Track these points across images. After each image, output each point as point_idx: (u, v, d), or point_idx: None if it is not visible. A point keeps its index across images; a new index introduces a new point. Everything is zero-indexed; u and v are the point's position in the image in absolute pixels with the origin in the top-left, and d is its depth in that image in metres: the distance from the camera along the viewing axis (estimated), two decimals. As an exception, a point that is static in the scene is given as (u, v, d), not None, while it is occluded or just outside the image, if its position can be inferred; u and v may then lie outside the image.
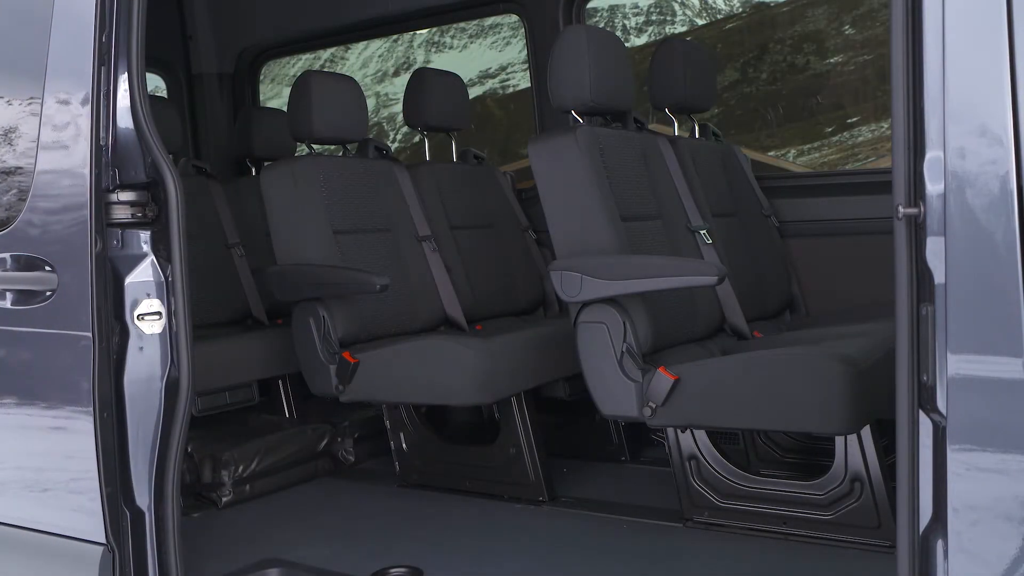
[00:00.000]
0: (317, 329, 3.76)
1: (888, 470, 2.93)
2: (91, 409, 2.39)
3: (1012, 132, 1.62)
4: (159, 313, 2.41)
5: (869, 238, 3.86)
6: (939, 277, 1.69)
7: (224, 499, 3.83)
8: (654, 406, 3.01)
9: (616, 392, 3.10)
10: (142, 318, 2.41)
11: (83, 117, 2.40)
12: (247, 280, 4.92)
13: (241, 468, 3.89)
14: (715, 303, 3.59)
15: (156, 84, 5.89)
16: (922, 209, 1.71)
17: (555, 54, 3.37)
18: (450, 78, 4.66)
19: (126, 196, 2.42)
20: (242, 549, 3.26)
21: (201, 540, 3.35)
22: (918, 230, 1.73)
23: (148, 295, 2.41)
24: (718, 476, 3.24)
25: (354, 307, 3.81)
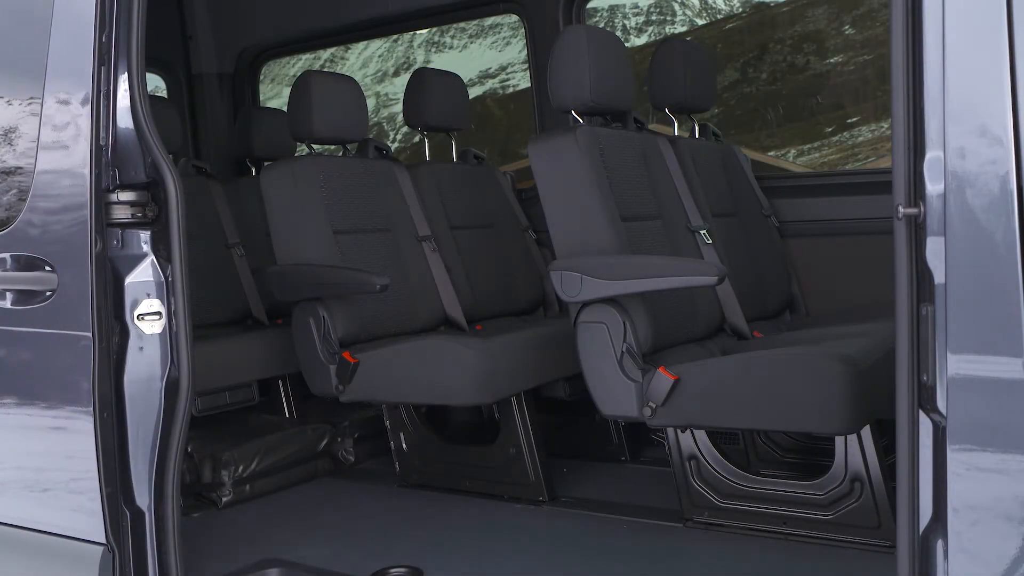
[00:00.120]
0: (317, 329, 3.76)
1: (888, 470, 2.93)
2: (91, 409, 2.39)
3: (1012, 132, 1.62)
4: (159, 313, 2.41)
5: (869, 238, 3.86)
6: (939, 277, 1.69)
7: (224, 499, 3.83)
8: (654, 406, 3.01)
9: (616, 392, 3.10)
10: (142, 318, 2.41)
11: (83, 117, 2.40)
12: (247, 280, 4.91)
13: (241, 468, 3.89)
14: (715, 303, 3.59)
15: (156, 84, 5.89)
16: (922, 209, 1.71)
17: (555, 54, 3.37)
18: (450, 78, 4.66)
19: (126, 196, 2.42)
20: (242, 549, 3.26)
21: (201, 540, 3.35)
22: (918, 230, 1.73)
23: (148, 295, 2.41)
24: (718, 476, 3.24)
25: (354, 307, 3.81)
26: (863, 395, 2.74)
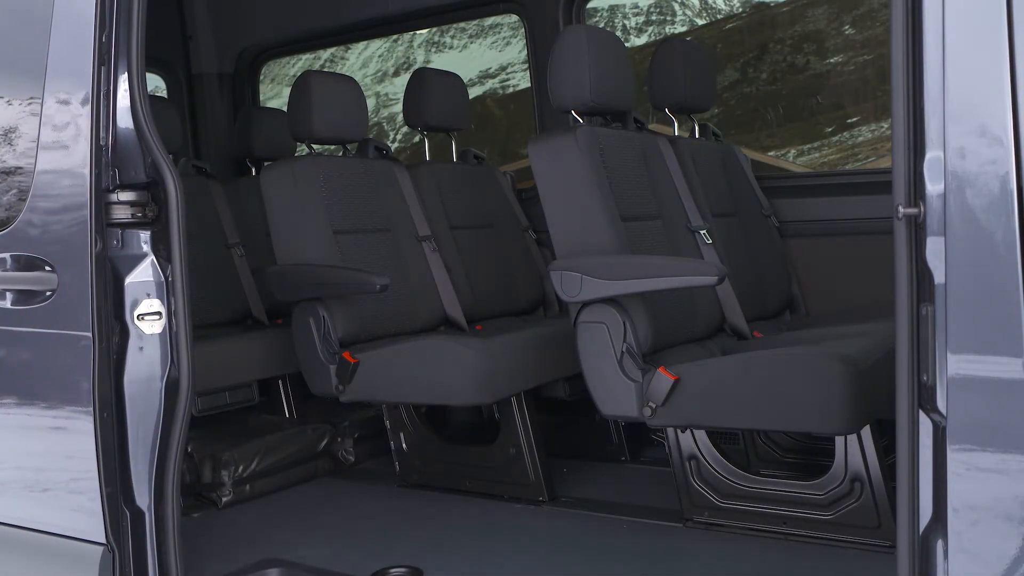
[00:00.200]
0: (317, 329, 3.76)
1: (888, 470, 2.93)
2: (91, 409, 2.39)
3: (1012, 132, 1.62)
4: (159, 313, 2.41)
5: (869, 238, 3.86)
6: (939, 277, 1.69)
7: (224, 499, 3.83)
8: (654, 406, 3.01)
9: (616, 392, 3.10)
10: (142, 318, 2.41)
11: (83, 117, 2.40)
12: (247, 280, 4.92)
13: (241, 468, 3.89)
14: (715, 303, 3.59)
15: (156, 84, 5.89)
16: (922, 209, 1.71)
17: (555, 54, 3.37)
18: (450, 78, 4.66)
19: (126, 196, 2.42)
20: (242, 549, 3.26)
21: (201, 540, 3.35)
22: (918, 230, 1.73)
23: (148, 295, 2.41)
24: (718, 476, 3.24)
25: (354, 307, 3.81)
26: (863, 395, 2.74)
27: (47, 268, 2.47)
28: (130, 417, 2.42)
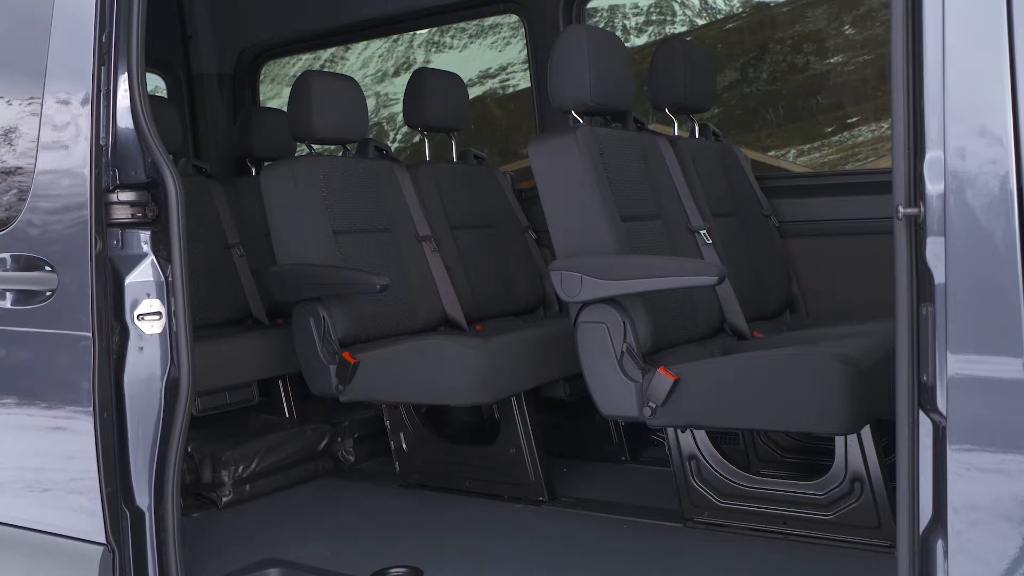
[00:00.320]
0: (317, 329, 3.76)
1: (888, 470, 2.93)
2: (91, 409, 2.39)
3: (1012, 132, 1.62)
4: (159, 313, 2.41)
5: (869, 238, 3.86)
6: (939, 277, 1.69)
7: (224, 499, 3.83)
8: (654, 406, 3.01)
9: (616, 392, 3.10)
10: (142, 318, 2.41)
11: (83, 117, 2.40)
12: (247, 280, 4.92)
13: (241, 468, 3.89)
14: (715, 303, 3.59)
15: (156, 84, 5.89)
16: (922, 209, 1.71)
17: (555, 54, 3.37)
18: (450, 78, 4.66)
19: (126, 196, 2.42)
20: (242, 549, 3.26)
21: (201, 540, 3.35)
22: (918, 230, 1.73)
23: (148, 295, 2.41)
24: (718, 476, 3.24)
25: (354, 307, 3.81)
26: (863, 395, 2.74)
27: (47, 268, 2.47)
28: (130, 417, 2.42)
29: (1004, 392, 1.64)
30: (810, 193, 4.31)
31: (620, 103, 3.51)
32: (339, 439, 4.30)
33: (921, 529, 1.77)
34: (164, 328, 2.41)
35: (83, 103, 2.41)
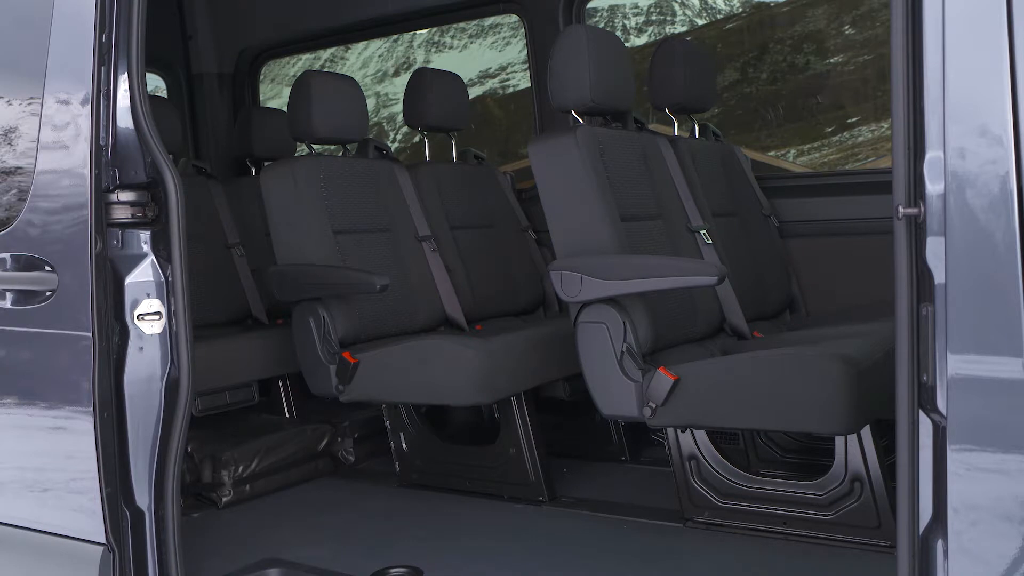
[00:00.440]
0: (317, 329, 3.76)
1: (888, 470, 2.93)
2: (91, 409, 2.39)
3: (1012, 132, 1.62)
4: (159, 313, 2.41)
5: (869, 238, 3.86)
6: (939, 277, 1.69)
7: (224, 499, 3.83)
8: (654, 406, 3.01)
9: (616, 392, 3.10)
10: (142, 318, 2.41)
11: (83, 117, 2.40)
12: (247, 280, 4.92)
13: (241, 468, 3.89)
14: (715, 303, 3.59)
15: (156, 84, 5.89)
16: (922, 209, 1.71)
17: (555, 54, 3.37)
18: (450, 78, 4.66)
19: (126, 196, 2.42)
20: (242, 549, 3.26)
21: (201, 540, 3.35)
22: (918, 230, 1.73)
23: (148, 295, 2.41)
24: (718, 476, 3.24)
25: (354, 307, 3.81)
26: (863, 395, 2.74)
27: (47, 268, 2.47)
28: (130, 417, 2.42)
29: (1004, 392, 1.64)
30: (810, 193, 4.31)
31: (620, 103, 3.51)
32: (339, 439, 4.30)
33: (921, 529, 1.77)
34: (164, 328, 2.41)
35: (83, 103, 2.41)
